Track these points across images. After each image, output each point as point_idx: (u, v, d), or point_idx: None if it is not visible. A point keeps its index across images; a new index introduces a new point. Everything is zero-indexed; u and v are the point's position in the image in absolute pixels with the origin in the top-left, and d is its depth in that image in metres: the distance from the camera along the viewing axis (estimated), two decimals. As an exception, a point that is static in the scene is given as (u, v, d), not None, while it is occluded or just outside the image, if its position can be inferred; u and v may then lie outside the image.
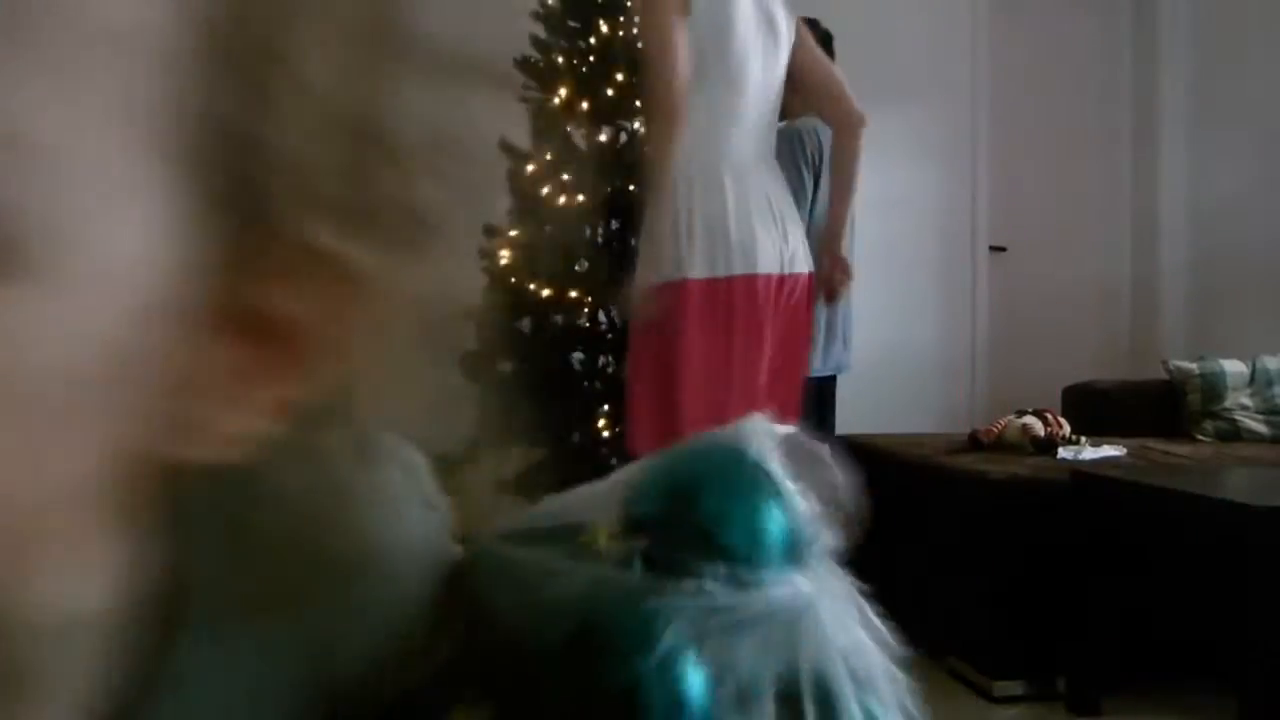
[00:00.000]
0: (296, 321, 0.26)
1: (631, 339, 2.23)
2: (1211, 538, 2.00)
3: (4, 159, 0.19)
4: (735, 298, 2.10)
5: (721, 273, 2.10)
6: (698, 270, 2.09)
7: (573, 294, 3.19)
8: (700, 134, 2.08)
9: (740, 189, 2.14)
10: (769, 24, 2.18)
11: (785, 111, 2.33)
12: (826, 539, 0.36)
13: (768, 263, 2.12)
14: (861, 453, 2.87)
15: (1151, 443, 2.97)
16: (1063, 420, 2.80)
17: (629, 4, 2.26)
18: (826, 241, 2.30)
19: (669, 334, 2.11)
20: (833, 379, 2.77)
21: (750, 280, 2.11)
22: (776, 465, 0.35)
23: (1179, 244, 4.44)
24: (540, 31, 3.38)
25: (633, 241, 3.25)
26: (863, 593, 0.38)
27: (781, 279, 2.15)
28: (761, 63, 2.17)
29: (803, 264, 2.19)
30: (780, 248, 2.16)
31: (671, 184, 2.09)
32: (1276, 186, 4.00)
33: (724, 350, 2.10)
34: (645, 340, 2.17)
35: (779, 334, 2.17)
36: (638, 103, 3.33)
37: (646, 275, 2.11)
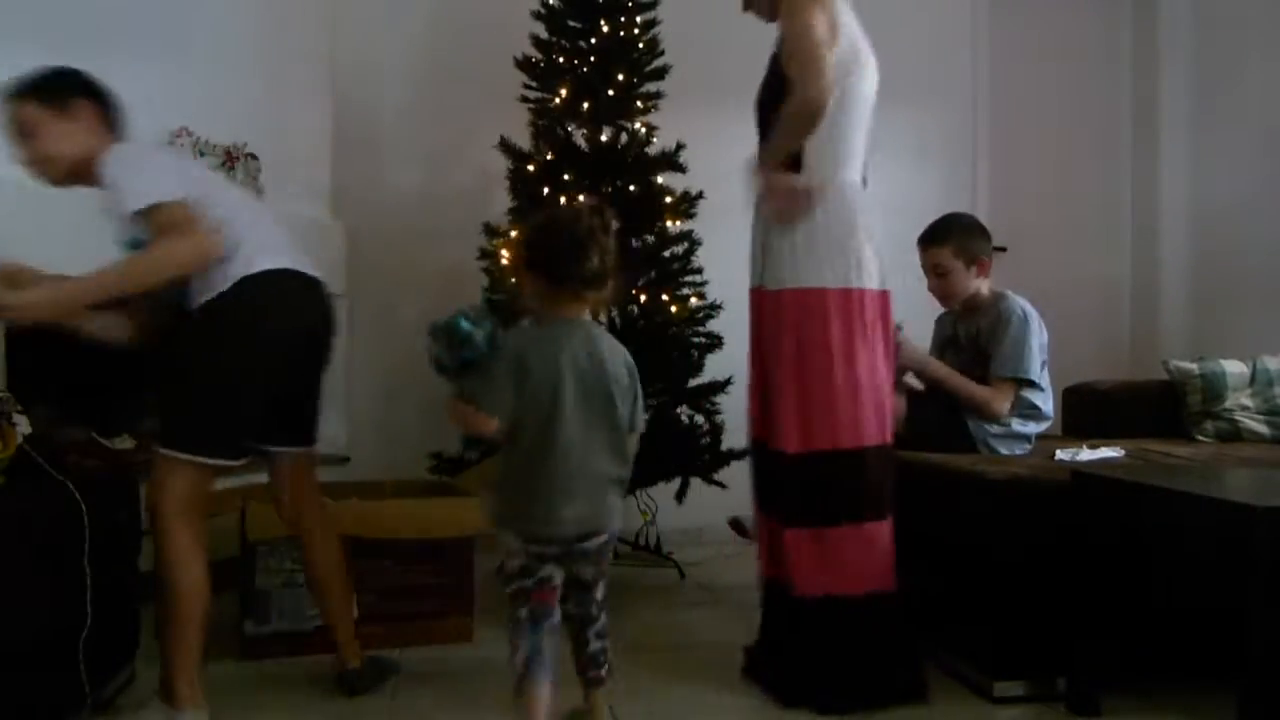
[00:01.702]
0: None
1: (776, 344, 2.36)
2: (1212, 538, 2.00)
3: None
4: (868, 310, 2.33)
5: (855, 284, 2.32)
6: (833, 280, 2.30)
7: (573, 294, 3.19)
8: (836, 155, 2.31)
9: (866, 209, 2.36)
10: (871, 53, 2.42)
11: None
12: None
13: (883, 279, 2.36)
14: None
15: (1151, 444, 2.97)
16: None
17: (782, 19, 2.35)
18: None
19: (812, 337, 2.29)
20: None
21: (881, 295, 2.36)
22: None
23: (1179, 244, 4.43)
24: (541, 31, 3.37)
25: (648, 239, 3.24)
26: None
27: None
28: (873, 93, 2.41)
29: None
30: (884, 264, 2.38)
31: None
32: (1277, 187, 3.99)
33: (865, 358, 2.30)
34: (793, 342, 2.32)
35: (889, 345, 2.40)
36: (638, 103, 3.34)
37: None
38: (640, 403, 1.96)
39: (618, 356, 1.93)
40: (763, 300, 2.41)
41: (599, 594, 1.97)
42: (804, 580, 2.25)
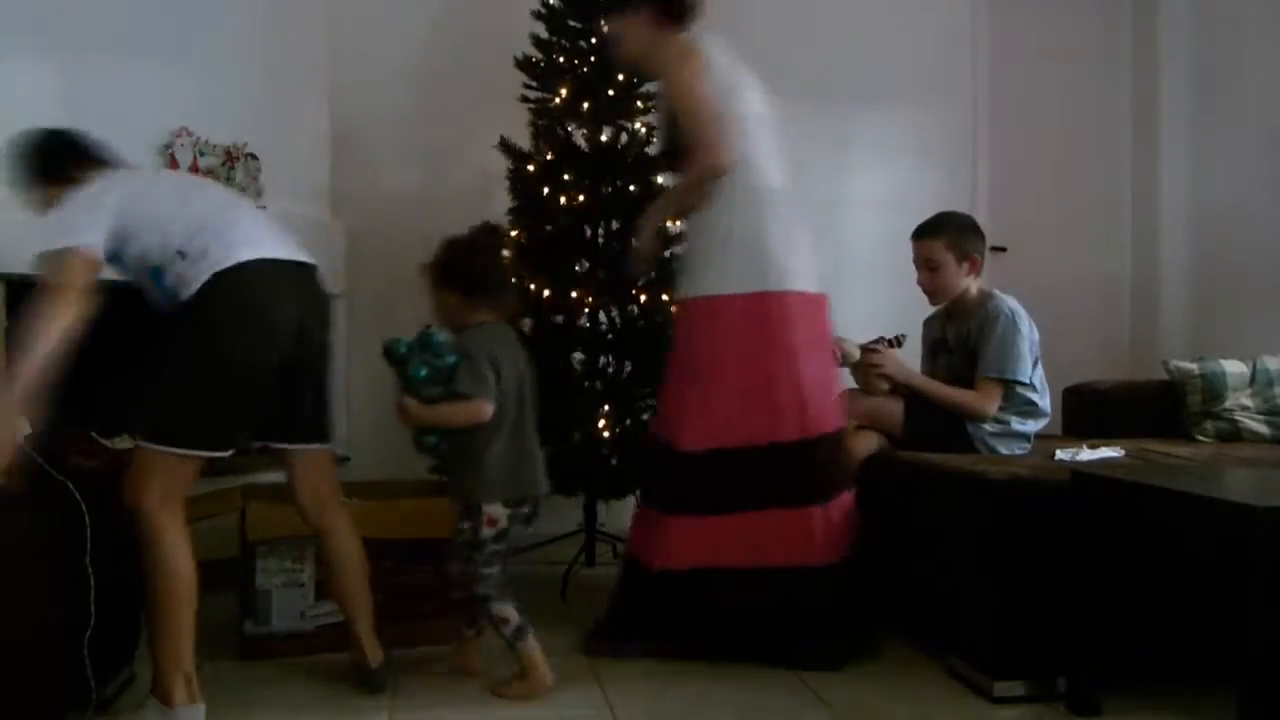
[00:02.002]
0: None
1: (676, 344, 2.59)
2: (1212, 538, 2.00)
3: None
4: (784, 312, 2.47)
5: (760, 288, 2.46)
6: (739, 285, 2.46)
7: (573, 294, 3.19)
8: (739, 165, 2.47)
9: (781, 212, 2.52)
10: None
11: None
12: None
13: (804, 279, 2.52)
14: (861, 453, 2.81)
15: (1151, 444, 2.97)
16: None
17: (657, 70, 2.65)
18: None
19: (708, 341, 2.47)
20: None
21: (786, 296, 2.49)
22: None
23: (1179, 244, 4.43)
24: (541, 31, 3.37)
25: (634, 241, 3.28)
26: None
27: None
28: (766, 104, 2.62)
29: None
30: (812, 267, 2.55)
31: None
32: (1277, 187, 3.99)
33: (761, 358, 2.45)
34: (687, 347, 2.53)
35: (817, 345, 2.54)
36: (638, 103, 3.34)
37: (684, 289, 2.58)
38: None
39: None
40: (679, 309, 2.60)
41: None
42: (678, 557, 2.44)
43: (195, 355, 2.00)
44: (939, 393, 2.80)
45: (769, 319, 2.45)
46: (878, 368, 2.84)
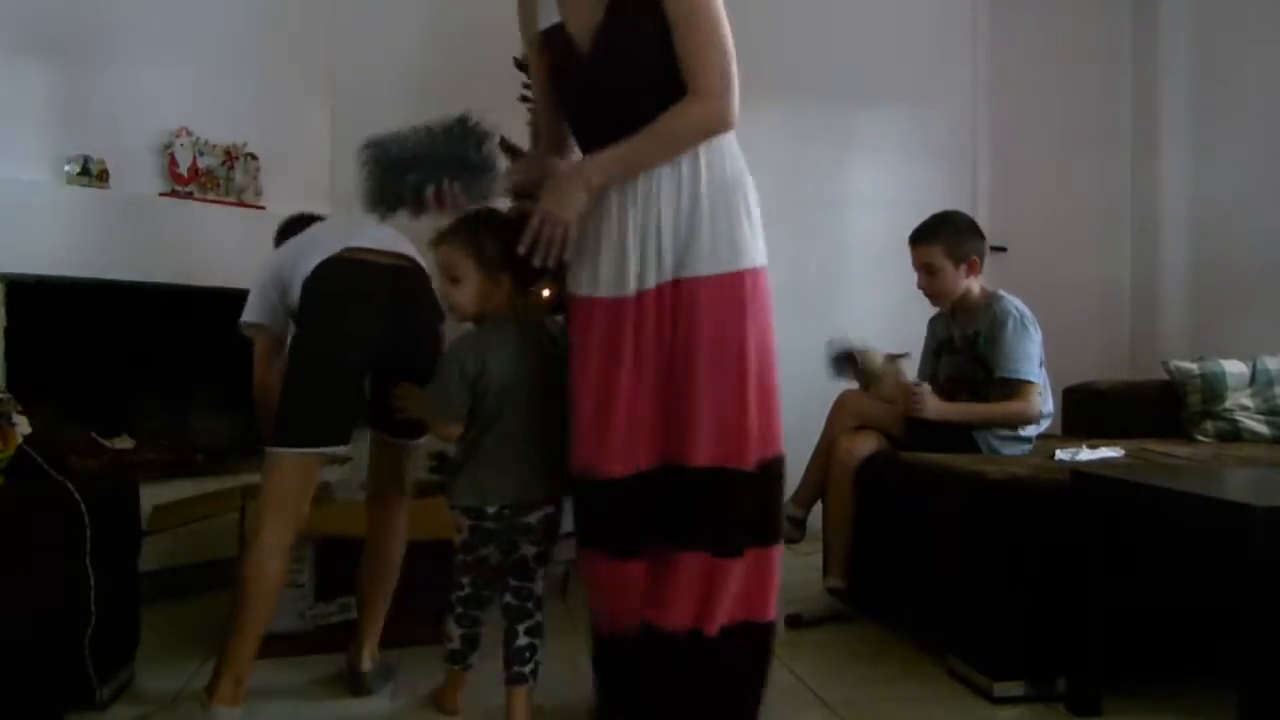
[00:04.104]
0: None
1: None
2: (1212, 538, 2.00)
3: None
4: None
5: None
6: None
7: (573, 294, 3.17)
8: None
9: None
10: None
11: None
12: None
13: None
14: (861, 453, 2.80)
15: (1151, 444, 2.97)
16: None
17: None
18: None
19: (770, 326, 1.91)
20: None
21: None
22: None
23: (1179, 244, 4.43)
24: (540, 31, 3.36)
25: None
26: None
27: None
28: None
29: None
30: None
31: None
32: (1277, 187, 3.99)
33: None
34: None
35: None
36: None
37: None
38: None
39: None
40: (715, 285, 1.84)
41: None
42: (719, 612, 1.83)
43: (288, 362, 2.13)
44: (984, 415, 2.75)
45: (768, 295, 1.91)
46: (918, 410, 2.72)
